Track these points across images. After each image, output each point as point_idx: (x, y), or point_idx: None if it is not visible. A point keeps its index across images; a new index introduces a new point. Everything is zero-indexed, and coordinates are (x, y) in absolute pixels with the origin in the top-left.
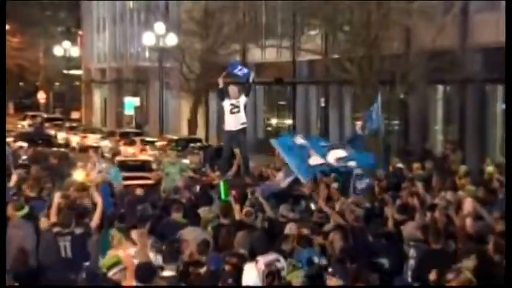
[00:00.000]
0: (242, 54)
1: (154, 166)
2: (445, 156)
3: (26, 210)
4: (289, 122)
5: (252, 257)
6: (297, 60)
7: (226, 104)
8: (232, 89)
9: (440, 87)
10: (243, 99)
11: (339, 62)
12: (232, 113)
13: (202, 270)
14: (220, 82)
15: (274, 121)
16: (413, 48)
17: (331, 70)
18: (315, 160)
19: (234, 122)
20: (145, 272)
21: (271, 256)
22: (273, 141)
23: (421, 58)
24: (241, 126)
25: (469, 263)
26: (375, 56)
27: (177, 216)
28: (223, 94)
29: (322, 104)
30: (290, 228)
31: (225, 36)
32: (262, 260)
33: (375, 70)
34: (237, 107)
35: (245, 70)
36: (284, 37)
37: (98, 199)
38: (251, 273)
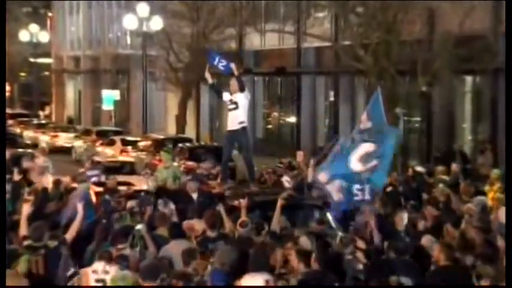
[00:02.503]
0: (238, 40)
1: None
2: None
3: None
4: (293, 119)
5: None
6: (302, 47)
7: (226, 99)
8: (231, 83)
9: (469, 78)
10: (240, 94)
11: (350, 49)
12: (229, 109)
13: (189, 282)
14: (208, 77)
15: (275, 118)
16: (437, 33)
17: (342, 58)
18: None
19: (231, 120)
20: None
21: (259, 276)
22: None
23: (447, 44)
24: (239, 126)
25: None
26: (392, 42)
27: (162, 230)
28: (217, 90)
29: (332, 98)
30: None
31: (218, 19)
32: (248, 277)
33: (393, 58)
34: (234, 103)
35: (224, 62)
36: (287, 20)
37: (79, 209)
38: None
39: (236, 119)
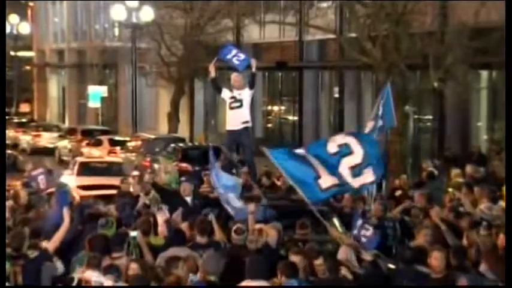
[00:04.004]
0: (236, 33)
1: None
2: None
3: None
4: (294, 117)
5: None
6: (304, 40)
7: (226, 96)
8: (236, 78)
9: (485, 73)
10: (246, 92)
11: (356, 41)
12: (231, 108)
13: None
14: (212, 71)
15: (275, 116)
16: (451, 24)
17: (347, 52)
18: (326, 181)
19: (234, 119)
20: None
21: (253, 283)
22: (267, 152)
23: (461, 37)
24: (242, 126)
25: None
26: (402, 34)
27: (153, 237)
28: (218, 85)
29: (336, 95)
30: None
31: (213, 9)
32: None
33: (402, 52)
34: (239, 101)
35: (241, 56)
36: (288, 11)
37: (65, 215)
38: None
39: (240, 118)
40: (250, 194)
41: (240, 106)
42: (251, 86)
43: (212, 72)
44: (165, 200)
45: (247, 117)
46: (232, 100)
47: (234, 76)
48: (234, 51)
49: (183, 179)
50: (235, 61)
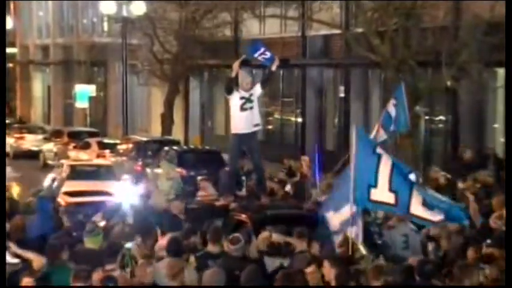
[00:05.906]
0: (234, 28)
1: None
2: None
3: None
4: (297, 118)
5: None
6: (307, 35)
7: (235, 97)
8: (244, 77)
9: (501, 71)
10: (257, 91)
11: (364, 37)
12: (243, 109)
13: None
14: (235, 69)
15: (277, 117)
16: (465, 18)
17: (354, 48)
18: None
19: (245, 121)
20: None
21: None
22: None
23: (476, 32)
24: (254, 129)
25: None
26: (412, 29)
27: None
28: (231, 85)
29: (342, 94)
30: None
31: (210, 2)
32: None
33: (413, 48)
34: (251, 101)
35: (268, 54)
36: (290, 4)
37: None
38: None
39: (252, 120)
40: (258, 202)
41: (252, 107)
42: (264, 86)
43: (234, 71)
44: (156, 221)
45: (259, 119)
46: (244, 101)
47: (242, 75)
48: (262, 49)
49: (172, 196)
50: (261, 58)
